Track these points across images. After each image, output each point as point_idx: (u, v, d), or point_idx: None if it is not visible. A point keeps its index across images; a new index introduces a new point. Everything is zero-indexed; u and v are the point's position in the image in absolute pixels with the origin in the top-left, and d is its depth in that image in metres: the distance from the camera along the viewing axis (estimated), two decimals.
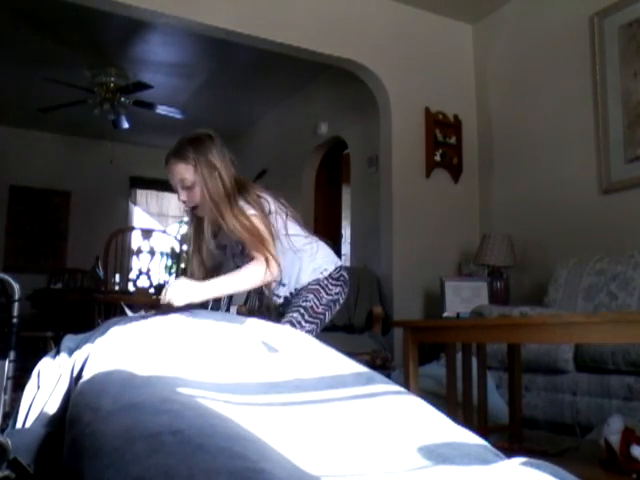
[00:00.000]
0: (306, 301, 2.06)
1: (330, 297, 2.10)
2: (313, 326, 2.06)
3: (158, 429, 0.81)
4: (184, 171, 1.97)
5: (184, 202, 2.03)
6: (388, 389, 1.15)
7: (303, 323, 2.03)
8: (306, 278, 2.12)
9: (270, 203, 2.04)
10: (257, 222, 1.95)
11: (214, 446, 0.77)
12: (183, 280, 1.88)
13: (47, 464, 1.16)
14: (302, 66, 4.97)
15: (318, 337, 1.61)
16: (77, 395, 1.05)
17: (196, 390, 1.01)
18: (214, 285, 1.91)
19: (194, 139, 2.01)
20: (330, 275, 2.12)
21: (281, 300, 2.17)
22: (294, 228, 2.11)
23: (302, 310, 2.05)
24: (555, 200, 4.01)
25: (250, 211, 1.96)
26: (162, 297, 1.81)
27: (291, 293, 2.14)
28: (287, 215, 2.08)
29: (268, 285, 2.08)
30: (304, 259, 2.11)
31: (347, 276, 2.19)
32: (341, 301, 2.16)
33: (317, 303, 2.07)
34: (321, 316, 2.08)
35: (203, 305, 2.04)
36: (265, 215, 2.00)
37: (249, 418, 0.95)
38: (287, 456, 0.87)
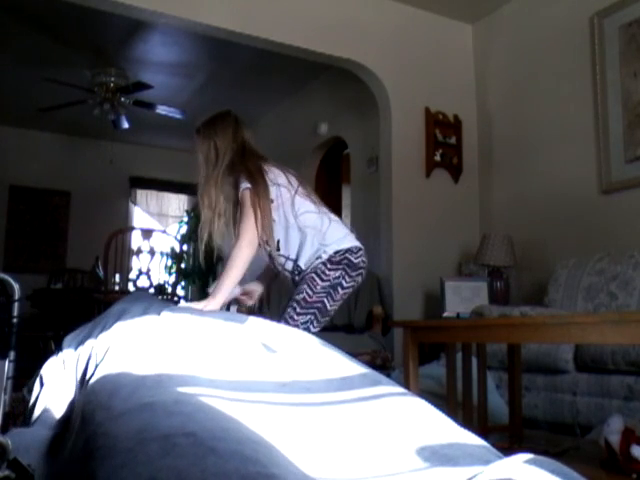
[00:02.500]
0: (299, 293, 2.12)
1: (327, 282, 2.11)
2: (308, 317, 2.09)
3: (171, 431, 0.82)
4: (195, 142, 2.24)
5: None
6: (393, 391, 1.16)
7: (295, 317, 2.09)
8: (306, 257, 2.16)
9: (276, 176, 2.16)
10: (245, 195, 2.09)
11: (226, 449, 0.77)
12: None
13: (47, 464, 1.16)
14: (302, 66, 4.96)
15: (318, 335, 1.61)
16: (88, 394, 1.05)
17: (208, 389, 1.02)
18: (220, 290, 2.08)
19: (210, 116, 2.27)
20: (329, 259, 2.13)
21: (290, 268, 2.21)
22: (304, 205, 2.17)
23: (294, 304, 2.11)
24: (555, 200, 4.02)
25: (243, 183, 2.10)
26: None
27: (298, 266, 2.18)
28: (296, 192, 2.16)
29: (276, 261, 2.20)
30: (307, 239, 2.16)
31: (356, 259, 2.17)
32: (345, 284, 2.13)
33: (310, 293, 2.10)
34: (317, 304, 2.10)
35: None
36: (263, 185, 2.11)
37: (261, 417, 0.95)
38: (296, 458, 0.87)
